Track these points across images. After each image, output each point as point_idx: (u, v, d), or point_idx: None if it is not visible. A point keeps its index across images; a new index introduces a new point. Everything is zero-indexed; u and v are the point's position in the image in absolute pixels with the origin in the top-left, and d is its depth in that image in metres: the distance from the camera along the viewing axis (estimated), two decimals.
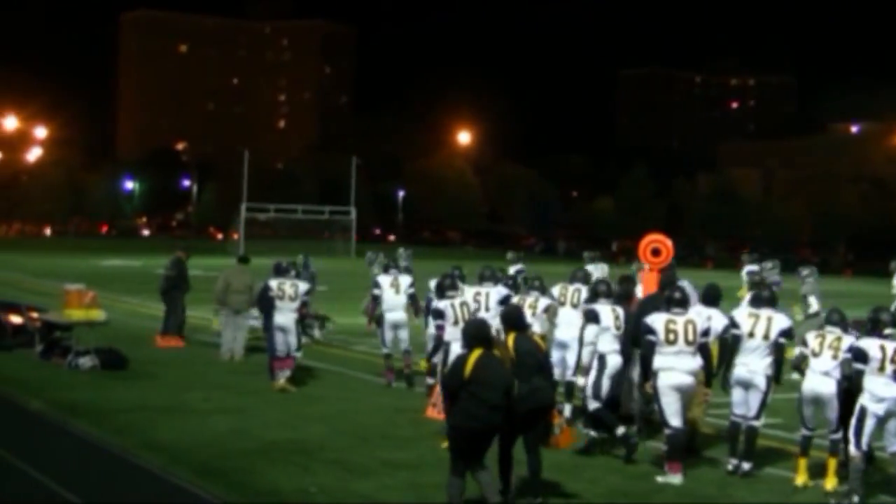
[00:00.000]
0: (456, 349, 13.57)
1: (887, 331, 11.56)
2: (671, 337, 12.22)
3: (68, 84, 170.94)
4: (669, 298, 12.59)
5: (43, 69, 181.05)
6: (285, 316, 17.68)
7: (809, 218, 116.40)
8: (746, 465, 12.32)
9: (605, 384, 13.21)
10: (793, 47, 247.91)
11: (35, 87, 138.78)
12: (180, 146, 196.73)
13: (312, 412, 15.40)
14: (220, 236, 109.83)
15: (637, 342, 13.01)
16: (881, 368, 11.32)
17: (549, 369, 11.29)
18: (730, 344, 12.64)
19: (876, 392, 11.33)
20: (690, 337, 12.25)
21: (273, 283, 17.89)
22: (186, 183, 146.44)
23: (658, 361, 12.25)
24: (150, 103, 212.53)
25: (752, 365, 12.36)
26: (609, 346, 13.33)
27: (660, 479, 12.02)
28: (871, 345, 11.48)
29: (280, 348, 17.69)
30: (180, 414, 14.97)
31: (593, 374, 13.29)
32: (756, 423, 12.44)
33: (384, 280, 18.27)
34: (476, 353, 10.16)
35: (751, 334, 12.41)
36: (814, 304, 20.57)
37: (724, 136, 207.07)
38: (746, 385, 12.40)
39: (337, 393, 17.33)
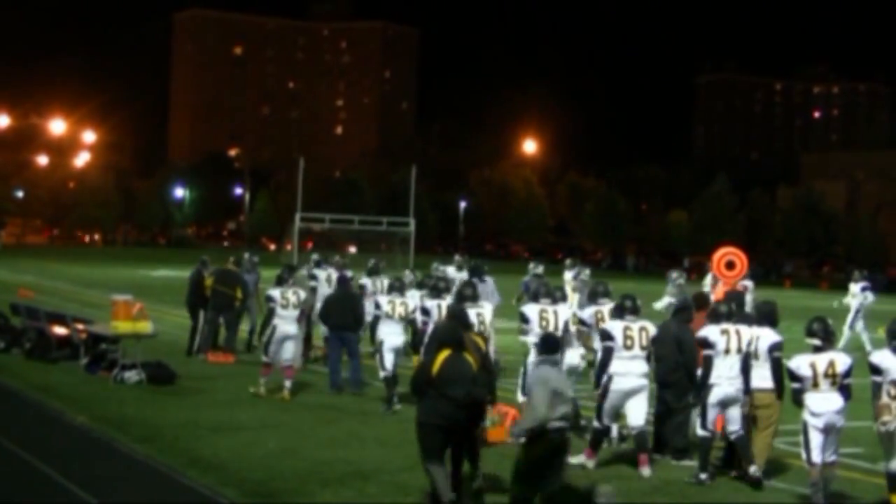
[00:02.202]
0: None
1: (811, 341, 11.93)
2: (629, 343, 13.44)
3: (118, 87, 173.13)
4: (621, 306, 13.82)
5: (92, 71, 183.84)
6: (291, 325, 18.54)
7: None
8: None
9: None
10: (884, 54, 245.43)
11: (83, 90, 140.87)
12: (233, 152, 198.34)
13: (367, 431, 15.44)
14: (272, 247, 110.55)
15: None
16: (815, 385, 11.72)
17: (490, 367, 12.29)
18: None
19: (813, 407, 11.73)
20: (644, 342, 13.53)
21: (275, 293, 18.69)
22: (239, 191, 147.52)
23: (615, 366, 13.43)
24: (203, 107, 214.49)
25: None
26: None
27: (574, 460, 13.01)
28: (800, 363, 11.85)
29: (287, 356, 18.43)
30: (230, 431, 15.08)
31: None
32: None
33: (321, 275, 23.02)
34: (445, 353, 11.05)
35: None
36: None
37: (806, 147, 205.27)
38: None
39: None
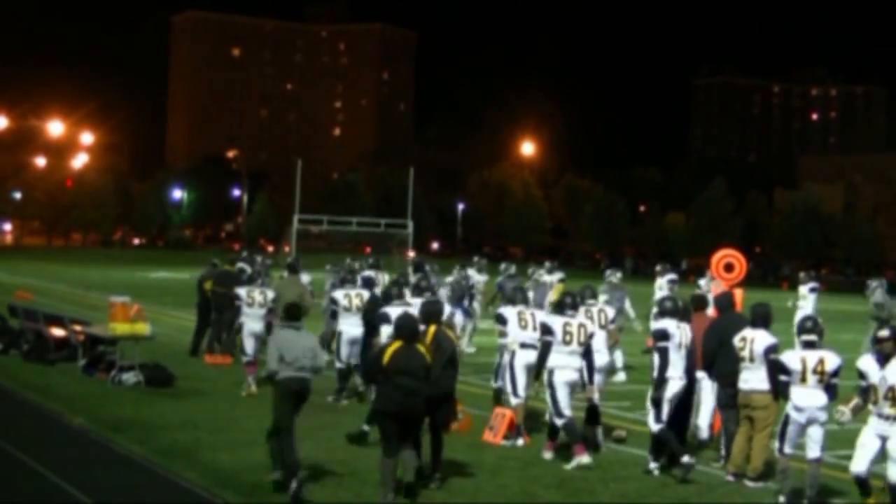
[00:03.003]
0: None
1: (805, 337, 12.21)
2: (567, 338, 13.92)
3: (116, 88, 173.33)
4: (562, 303, 14.41)
5: (89, 72, 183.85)
6: (257, 322, 18.99)
7: None
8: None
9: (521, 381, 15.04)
10: (882, 56, 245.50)
11: (81, 92, 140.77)
12: (231, 154, 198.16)
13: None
14: (270, 248, 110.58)
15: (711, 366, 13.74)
16: (803, 380, 11.96)
17: (456, 361, 12.80)
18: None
19: (798, 401, 11.98)
20: (582, 338, 14.02)
21: (242, 292, 19.19)
22: (237, 193, 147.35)
23: (554, 360, 13.91)
24: (201, 109, 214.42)
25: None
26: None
27: (569, 465, 13.41)
28: (791, 357, 12.14)
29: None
30: (227, 433, 15.08)
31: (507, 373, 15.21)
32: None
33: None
34: (396, 344, 11.71)
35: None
36: None
37: (804, 149, 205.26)
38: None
39: None
